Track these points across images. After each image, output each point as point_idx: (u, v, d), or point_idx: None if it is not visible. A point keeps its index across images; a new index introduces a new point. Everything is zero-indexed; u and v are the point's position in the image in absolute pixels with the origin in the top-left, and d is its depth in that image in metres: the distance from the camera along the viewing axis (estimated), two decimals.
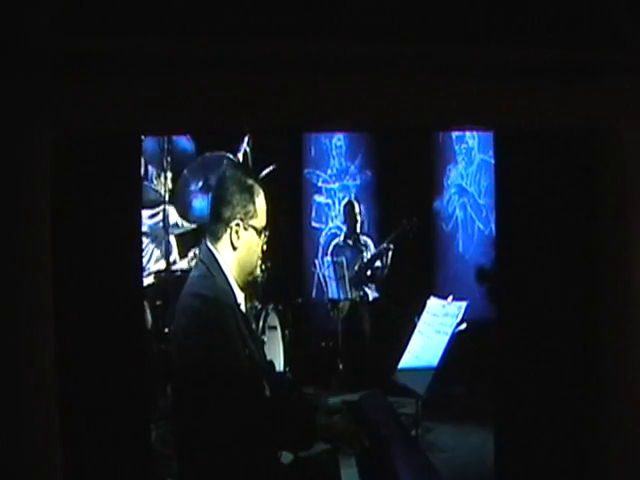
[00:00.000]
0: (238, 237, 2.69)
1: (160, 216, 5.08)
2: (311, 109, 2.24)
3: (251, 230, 2.72)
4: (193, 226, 5.31)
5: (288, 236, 6.60)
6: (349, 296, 6.53)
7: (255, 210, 2.72)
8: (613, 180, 2.22)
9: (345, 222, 7.02)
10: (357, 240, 6.90)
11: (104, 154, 2.24)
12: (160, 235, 5.14)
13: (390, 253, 6.63)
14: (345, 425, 2.76)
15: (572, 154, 2.30)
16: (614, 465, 2.27)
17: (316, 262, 7.10)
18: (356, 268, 6.73)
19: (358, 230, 6.90)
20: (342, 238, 7.04)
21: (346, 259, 6.62)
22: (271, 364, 3.07)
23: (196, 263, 2.85)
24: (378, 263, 6.70)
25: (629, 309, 2.21)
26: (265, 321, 5.71)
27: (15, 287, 2.06)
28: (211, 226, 2.77)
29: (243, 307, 2.77)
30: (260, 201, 2.74)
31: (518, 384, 2.42)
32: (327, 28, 2.11)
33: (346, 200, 7.09)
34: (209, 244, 2.72)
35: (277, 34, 2.10)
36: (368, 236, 6.93)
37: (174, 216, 5.26)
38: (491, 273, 5.95)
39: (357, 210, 6.92)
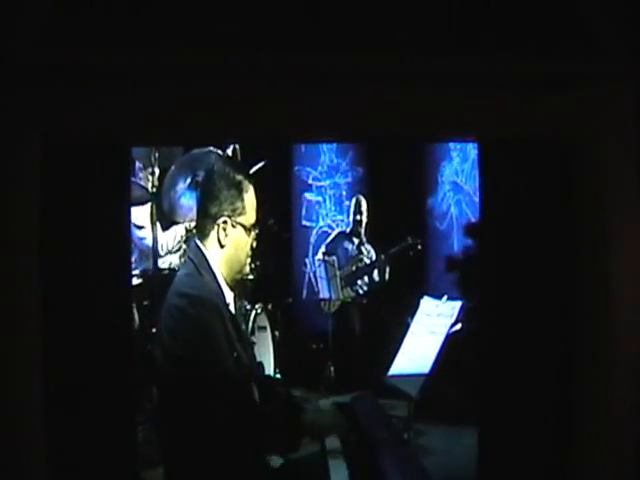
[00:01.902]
0: (226, 234, 2.67)
1: (147, 214, 5.07)
2: (297, 119, 2.32)
3: (239, 228, 2.70)
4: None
5: (278, 234, 6.59)
6: (340, 296, 6.55)
7: (244, 207, 2.70)
8: (594, 187, 2.33)
9: (353, 219, 6.99)
10: (361, 242, 6.90)
11: (93, 162, 2.31)
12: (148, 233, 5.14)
13: (388, 268, 6.64)
14: (332, 420, 2.76)
15: (554, 162, 2.40)
16: (599, 466, 2.37)
17: (307, 261, 7.10)
18: (354, 268, 6.73)
19: (363, 230, 6.89)
20: (347, 231, 7.04)
21: (339, 258, 6.62)
22: (260, 365, 3.06)
23: (184, 261, 2.84)
24: (376, 276, 6.72)
25: (610, 307, 2.32)
26: (254, 321, 5.71)
27: (3, 291, 2.14)
28: (199, 222, 2.76)
29: (232, 307, 2.76)
30: (249, 197, 2.72)
31: (502, 385, 2.50)
32: (314, 39, 2.19)
33: (355, 198, 7.08)
34: (197, 241, 2.71)
35: (264, 45, 2.18)
36: (371, 245, 6.93)
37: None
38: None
39: (365, 207, 6.91)
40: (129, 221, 2.57)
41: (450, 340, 3.90)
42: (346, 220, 7.10)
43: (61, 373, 2.26)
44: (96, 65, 2.11)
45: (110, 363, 2.37)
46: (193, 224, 5.15)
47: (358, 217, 6.91)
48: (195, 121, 2.30)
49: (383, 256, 6.64)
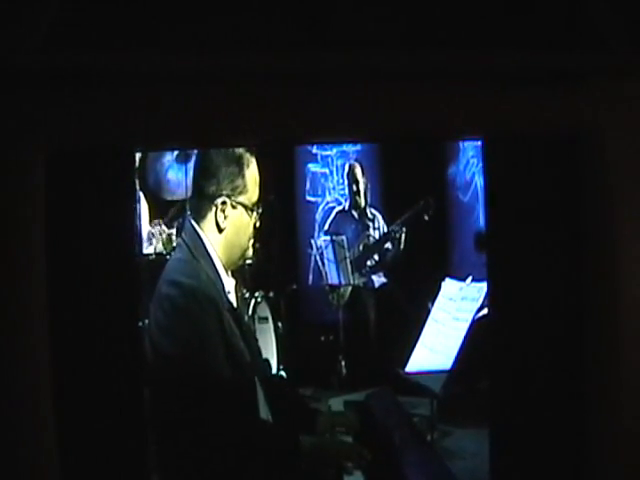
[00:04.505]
0: (225, 217, 2.64)
1: None
2: (299, 121, 2.40)
3: (240, 208, 2.66)
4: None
5: (279, 212, 6.56)
6: (351, 281, 6.52)
7: (245, 185, 2.66)
8: (599, 183, 2.49)
9: (349, 191, 6.97)
10: (363, 213, 6.84)
11: (98, 168, 2.40)
12: None
13: (403, 236, 6.56)
14: (339, 445, 2.74)
15: (559, 158, 2.56)
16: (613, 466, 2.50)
17: (312, 242, 7.03)
18: (361, 248, 6.69)
19: (363, 199, 6.84)
20: (346, 207, 6.99)
21: (347, 238, 6.57)
22: (267, 363, 3.03)
23: (178, 243, 2.80)
24: (388, 245, 6.66)
25: (619, 305, 2.46)
26: (254, 312, 5.69)
27: (10, 296, 2.26)
28: (194, 202, 2.73)
29: (233, 297, 2.74)
30: (251, 173, 2.68)
31: (514, 383, 2.59)
32: (317, 38, 2.30)
33: (347, 165, 7.02)
34: (193, 222, 2.68)
35: (267, 46, 2.28)
36: (376, 209, 6.89)
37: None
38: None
39: (360, 175, 6.86)
40: (135, 226, 2.60)
41: (476, 327, 3.87)
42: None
43: (67, 375, 2.36)
44: (99, 68, 2.21)
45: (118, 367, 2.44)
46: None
47: (355, 187, 6.85)
48: (201, 124, 2.38)
49: (395, 227, 6.59)
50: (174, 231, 5.34)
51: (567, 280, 2.55)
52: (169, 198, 5.30)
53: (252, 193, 2.69)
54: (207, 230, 2.67)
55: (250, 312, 5.64)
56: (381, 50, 2.30)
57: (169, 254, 4.99)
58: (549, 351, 2.57)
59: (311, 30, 2.30)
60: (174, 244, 5.09)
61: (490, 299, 2.72)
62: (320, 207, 7.43)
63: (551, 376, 2.57)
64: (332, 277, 6.58)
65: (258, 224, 2.76)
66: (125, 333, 2.41)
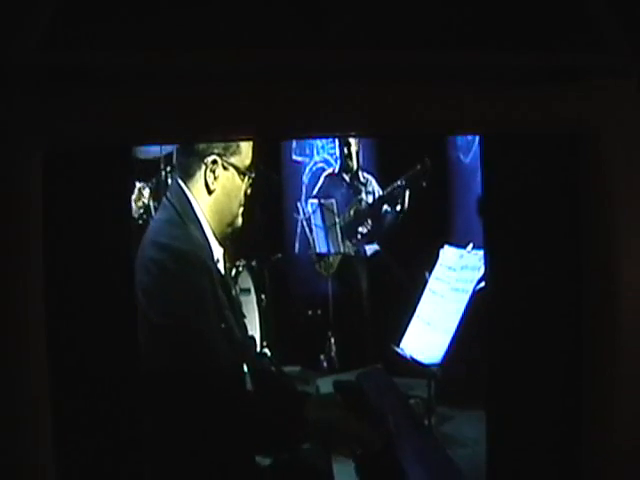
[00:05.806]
0: (215, 177, 2.69)
1: None
2: (297, 116, 2.47)
3: (232, 170, 2.71)
4: None
5: (262, 173, 6.49)
6: (341, 249, 6.45)
7: (238, 145, 2.70)
8: (599, 183, 2.62)
9: (339, 152, 6.87)
10: (355, 176, 6.74)
11: (94, 166, 2.45)
12: None
13: (407, 193, 6.41)
14: (344, 419, 2.71)
15: (557, 158, 2.69)
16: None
17: (299, 206, 6.97)
18: (352, 213, 6.63)
19: (355, 162, 6.72)
20: (337, 170, 6.90)
21: (337, 202, 6.51)
22: (252, 340, 3.04)
23: (162, 204, 2.81)
24: (386, 207, 6.56)
25: (617, 303, 2.58)
26: (235, 283, 5.67)
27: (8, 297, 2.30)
28: (181, 159, 2.75)
29: (221, 266, 2.75)
30: None
31: (511, 370, 2.69)
32: (313, 36, 2.38)
33: None
34: (180, 181, 2.69)
35: (263, 43, 2.34)
36: (369, 173, 6.80)
37: None
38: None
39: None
40: (131, 225, 2.59)
41: (478, 298, 3.83)
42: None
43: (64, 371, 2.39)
44: (97, 67, 2.27)
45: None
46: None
47: (346, 149, 6.75)
48: (197, 120, 2.43)
49: (392, 189, 6.48)
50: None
51: (566, 281, 2.66)
52: (142, 157, 5.24)
53: (245, 156, 2.75)
54: (195, 191, 2.70)
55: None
56: (381, 49, 2.37)
57: (141, 218, 4.96)
58: (547, 331, 2.67)
59: (309, 28, 2.36)
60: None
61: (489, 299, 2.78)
62: (307, 167, 7.38)
63: (549, 358, 2.66)
64: (320, 245, 6.51)
65: (249, 191, 2.78)
66: (121, 326, 2.40)
